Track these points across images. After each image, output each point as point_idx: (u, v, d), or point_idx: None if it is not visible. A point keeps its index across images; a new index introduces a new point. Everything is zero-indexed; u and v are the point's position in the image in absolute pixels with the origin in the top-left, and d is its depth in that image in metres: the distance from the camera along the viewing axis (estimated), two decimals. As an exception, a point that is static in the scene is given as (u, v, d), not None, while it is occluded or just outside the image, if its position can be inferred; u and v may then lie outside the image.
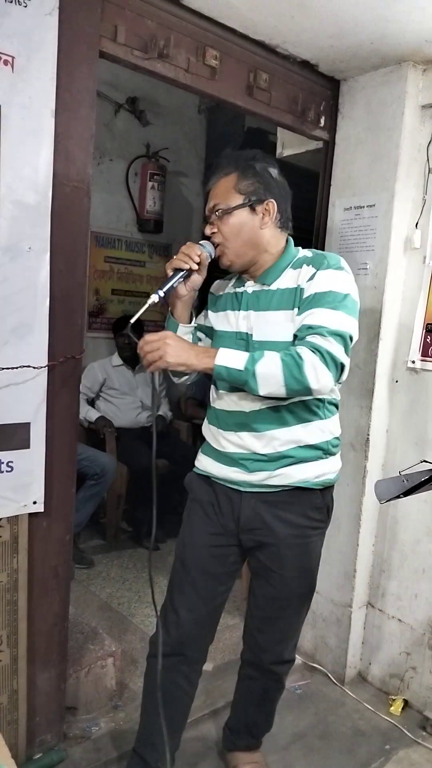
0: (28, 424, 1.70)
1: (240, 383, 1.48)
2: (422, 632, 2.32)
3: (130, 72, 1.92)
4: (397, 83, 2.19)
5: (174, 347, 1.46)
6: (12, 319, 1.62)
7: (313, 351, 1.44)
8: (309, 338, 1.47)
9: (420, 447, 2.29)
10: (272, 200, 1.61)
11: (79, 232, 1.75)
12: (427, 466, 1.66)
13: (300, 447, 1.60)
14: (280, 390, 1.45)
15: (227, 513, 1.67)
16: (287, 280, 1.61)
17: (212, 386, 1.72)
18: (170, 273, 1.59)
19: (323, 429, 1.63)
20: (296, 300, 1.56)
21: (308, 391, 1.45)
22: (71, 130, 1.67)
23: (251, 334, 1.61)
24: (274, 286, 1.62)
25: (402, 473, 1.62)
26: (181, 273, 1.59)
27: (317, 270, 1.55)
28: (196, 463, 1.77)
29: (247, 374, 1.45)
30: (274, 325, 1.58)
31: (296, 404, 1.57)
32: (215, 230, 1.61)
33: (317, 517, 1.69)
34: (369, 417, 2.33)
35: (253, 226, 1.60)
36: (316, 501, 1.67)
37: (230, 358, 1.47)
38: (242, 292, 1.67)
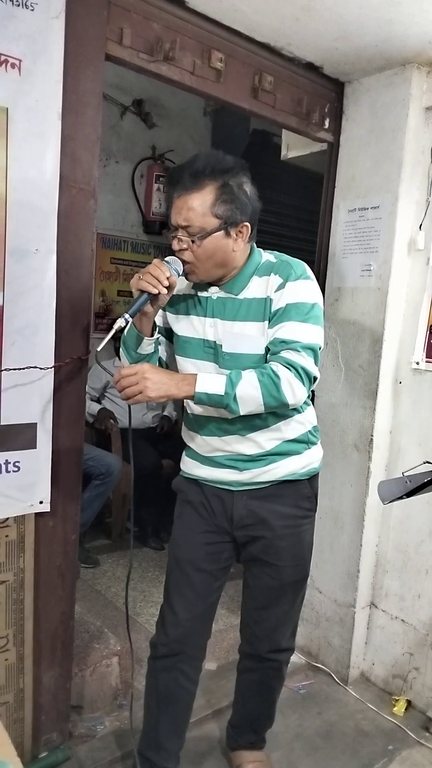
0: (35, 424, 1.72)
1: (221, 407, 1.49)
2: (425, 633, 2.32)
3: (136, 74, 1.93)
4: (401, 85, 2.20)
5: (154, 381, 1.44)
6: (19, 320, 1.63)
7: (288, 367, 1.48)
8: (283, 353, 1.50)
9: (423, 448, 2.29)
10: (247, 223, 1.55)
11: (86, 234, 1.76)
12: (430, 467, 1.66)
13: (284, 442, 1.65)
14: (258, 409, 1.50)
15: (219, 513, 1.69)
16: (255, 289, 1.59)
17: None
18: (136, 293, 1.50)
19: (302, 422, 1.67)
20: (266, 311, 1.56)
21: (285, 406, 1.52)
22: (77, 133, 1.68)
23: (220, 345, 1.59)
24: (241, 296, 1.60)
25: (405, 474, 1.63)
26: (148, 295, 1.49)
27: (285, 281, 1.55)
28: (183, 467, 1.78)
29: (228, 398, 1.46)
30: (245, 338, 1.57)
31: None
32: (185, 248, 1.53)
33: (307, 506, 1.73)
34: (373, 418, 2.34)
35: (226, 249, 1.54)
36: (305, 491, 1.71)
37: (210, 384, 1.47)
38: (206, 298, 1.63)
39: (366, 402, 2.36)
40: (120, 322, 1.47)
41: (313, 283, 1.59)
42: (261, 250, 1.66)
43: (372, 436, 2.35)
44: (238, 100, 2.08)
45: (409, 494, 1.59)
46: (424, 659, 2.33)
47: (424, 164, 2.26)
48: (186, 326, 1.66)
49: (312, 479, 1.73)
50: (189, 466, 1.75)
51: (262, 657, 1.84)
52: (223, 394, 1.46)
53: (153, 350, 1.62)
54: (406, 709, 2.34)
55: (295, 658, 2.61)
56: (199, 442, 1.69)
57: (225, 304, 1.61)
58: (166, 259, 1.53)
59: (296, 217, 4.24)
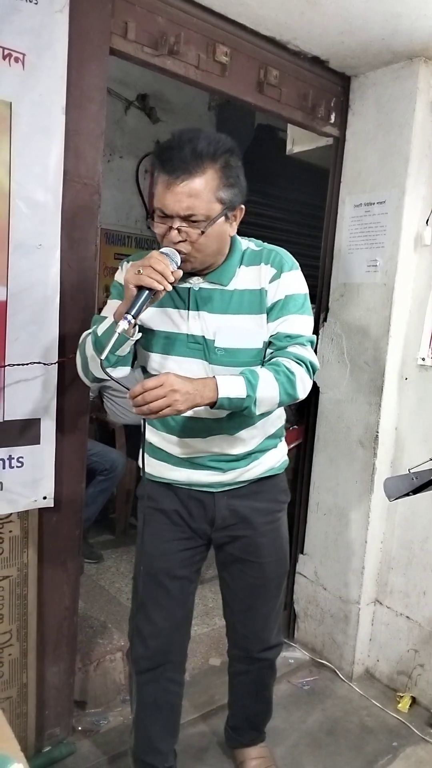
0: (39, 420, 1.72)
1: (239, 410, 1.41)
2: (430, 629, 2.32)
3: (141, 69, 1.92)
4: (408, 79, 2.18)
5: (182, 392, 1.30)
6: (23, 315, 1.63)
7: (299, 363, 1.47)
8: (291, 349, 1.49)
9: (429, 444, 2.28)
10: (242, 206, 1.47)
11: (89, 229, 1.76)
12: (436, 464, 1.65)
13: (266, 439, 1.62)
14: (272, 408, 1.47)
15: (199, 516, 1.62)
16: (245, 280, 1.51)
17: None
18: (134, 291, 1.30)
19: (279, 416, 1.66)
20: (262, 304, 1.50)
21: (295, 401, 1.49)
22: (81, 128, 1.68)
23: (212, 339, 1.48)
24: (230, 287, 1.50)
25: (411, 471, 1.62)
26: (151, 292, 1.31)
27: (280, 271, 1.50)
28: (149, 470, 1.63)
29: (249, 401, 1.39)
30: (243, 331, 1.49)
31: None
32: (184, 239, 1.38)
33: (283, 499, 1.73)
34: (378, 414, 2.33)
35: (224, 235, 1.45)
36: (282, 484, 1.71)
37: (231, 388, 1.37)
38: (187, 289, 1.49)
39: (371, 398, 2.35)
40: (123, 325, 1.28)
41: (301, 272, 1.56)
42: (238, 236, 1.55)
43: (377, 432, 2.34)
44: (244, 95, 2.07)
45: (416, 491, 1.58)
46: (428, 656, 2.32)
47: (431, 159, 2.24)
48: (162, 320, 1.51)
49: (285, 471, 1.73)
50: (160, 470, 1.61)
51: (254, 658, 1.81)
52: (244, 397, 1.37)
53: (129, 350, 1.46)
54: (410, 705, 2.33)
55: (299, 654, 2.62)
56: (176, 444, 1.57)
57: (212, 296, 1.50)
58: (163, 250, 1.36)
59: (301, 212, 4.22)
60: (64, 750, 1.96)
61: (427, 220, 2.25)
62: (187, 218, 1.36)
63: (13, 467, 1.69)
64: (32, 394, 1.69)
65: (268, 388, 1.41)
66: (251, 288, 1.51)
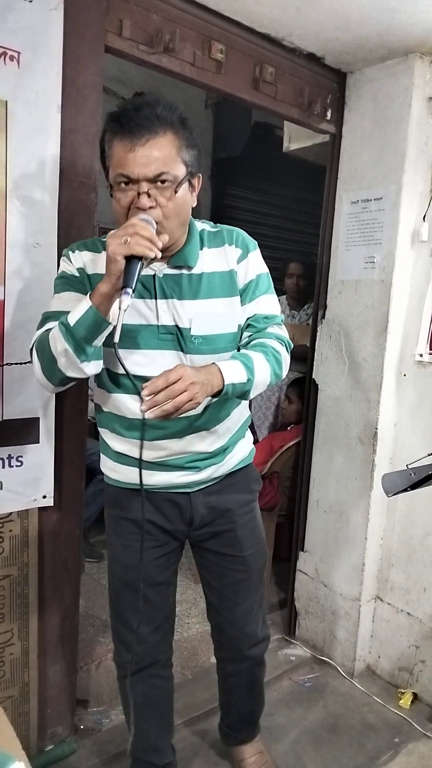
0: (38, 419, 1.72)
1: (238, 396, 1.38)
2: (431, 626, 2.32)
3: (137, 67, 1.92)
4: (403, 75, 2.18)
5: (198, 383, 1.23)
6: (20, 314, 1.62)
7: (281, 343, 1.49)
8: (270, 329, 1.50)
9: (428, 440, 2.28)
10: (200, 175, 1.40)
11: (87, 228, 1.75)
12: (435, 459, 1.65)
13: (237, 430, 1.60)
14: (263, 389, 1.45)
15: (175, 518, 1.55)
16: (211, 262, 1.45)
17: (116, 394, 1.45)
18: (123, 263, 1.19)
19: (245, 403, 1.62)
20: (233, 286, 1.46)
21: (279, 380, 1.51)
22: (77, 126, 1.67)
23: (188, 328, 1.40)
24: (197, 270, 1.43)
25: (409, 466, 1.62)
26: (142, 262, 1.21)
27: (246, 251, 1.48)
28: (114, 476, 1.57)
29: (249, 385, 1.36)
30: (218, 316, 1.43)
31: None
32: (154, 205, 1.28)
33: (256, 488, 1.71)
34: (377, 411, 2.33)
35: (188, 205, 1.37)
36: (254, 473, 1.70)
37: (234, 374, 1.33)
38: (151, 276, 1.39)
39: (370, 395, 2.35)
40: (126, 301, 1.18)
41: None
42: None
43: (376, 429, 2.34)
44: (239, 92, 2.06)
45: (414, 486, 1.58)
46: (430, 652, 2.32)
47: (427, 154, 2.24)
48: (129, 312, 1.31)
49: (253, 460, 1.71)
50: (129, 475, 1.51)
51: (243, 656, 1.77)
52: (245, 381, 1.34)
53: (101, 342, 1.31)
54: (412, 701, 2.33)
55: (301, 651, 2.62)
56: (149, 449, 1.45)
57: (179, 282, 1.41)
58: (140, 217, 1.25)
59: (298, 209, 4.23)
60: (65, 749, 1.96)
61: (424, 216, 2.25)
62: (154, 180, 1.28)
63: (12, 466, 1.69)
64: (31, 393, 1.69)
65: (262, 371, 1.39)
66: (220, 270, 1.45)
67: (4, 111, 1.51)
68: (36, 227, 1.62)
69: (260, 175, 4.29)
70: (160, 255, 1.23)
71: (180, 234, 1.38)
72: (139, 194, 1.28)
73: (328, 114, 2.35)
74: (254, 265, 1.49)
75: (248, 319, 1.49)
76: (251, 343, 1.47)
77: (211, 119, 4.43)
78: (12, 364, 1.63)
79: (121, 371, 1.34)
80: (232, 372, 1.33)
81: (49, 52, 1.56)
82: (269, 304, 1.51)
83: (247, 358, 1.38)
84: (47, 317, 1.38)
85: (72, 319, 1.25)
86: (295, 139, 2.73)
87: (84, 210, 1.73)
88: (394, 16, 1.90)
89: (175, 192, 1.30)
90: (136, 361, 1.39)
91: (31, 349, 1.37)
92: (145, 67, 1.88)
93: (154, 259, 1.25)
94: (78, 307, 1.26)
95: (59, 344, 1.26)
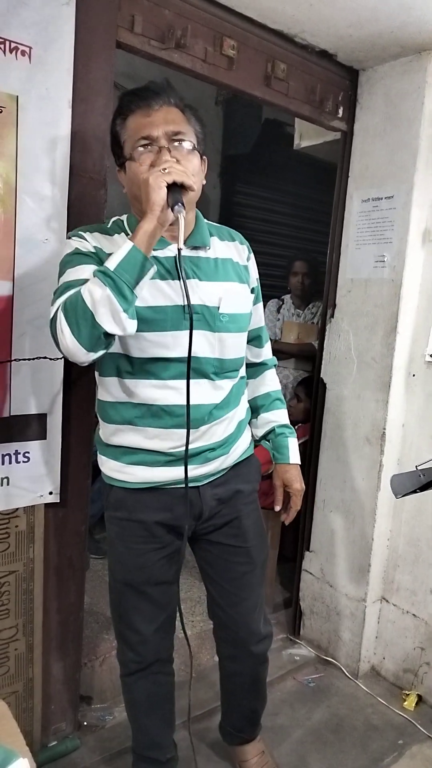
0: (45, 415, 1.71)
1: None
2: (437, 628, 2.31)
3: (147, 63, 1.91)
4: (417, 73, 2.16)
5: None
6: (29, 310, 1.62)
7: (274, 367, 1.81)
8: (267, 355, 1.76)
9: (437, 441, 2.27)
10: (206, 157, 1.46)
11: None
12: (443, 461, 1.64)
13: (243, 417, 1.64)
14: None
15: (184, 515, 1.49)
16: (224, 250, 1.50)
17: (137, 380, 1.43)
18: (164, 190, 1.21)
19: (246, 397, 1.70)
20: (247, 277, 1.56)
21: None
22: (88, 121, 1.67)
23: (216, 306, 1.42)
24: (212, 254, 1.47)
25: (418, 468, 1.61)
26: (184, 190, 1.24)
27: (250, 252, 1.59)
28: (121, 477, 1.52)
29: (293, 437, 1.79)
30: (239, 296, 1.51)
31: (243, 371, 1.64)
32: (176, 159, 1.31)
33: (257, 478, 1.72)
34: (385, 411, 2.32)
35: (201, 175, 1.43)
36: (255, 462, 1.71)
37: (296, 451, 1.80)
38: (172, 257, 1.39)
39: (378, 395, 2.34)
40: (182, 211, 1.21)
41: None
42: None
43: (384, 429, 2.33)
44: (251, 89, 2.05)
45: (423, 488, 1.57)
46: (435, 654, 2.32)
47: (439, 153, 2.22)
48: (150, 294, 1.36)
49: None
50: (137, 475, 1.49)
51: (247, 654, 1.75)
52: (297, 441, 1.79)
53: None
54: (416, 703, 2.32)
55: (305, 651, 2.61)
56: (154, 438, 1.45)
57: (198, 263, 1.44)
58: (166, 158, 1.30)
59: (309, 207, 4.21)
60: (69, 745, 1.97)
61: (436, 216, 2.23)
62: (173, 140, 1.34)
63: (19, 462, 1.69)
64: (38, 389, 1.69)
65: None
66: (234, 260, 1.53)
67: (15, 106, 1.50)
68: (45, 223, 1.61)
69: (270, 173, 4.27)
70: (197, 189, 1.29)
71: (195, 199, 1.38)
72: (160, 149, 1.33)
73: (340, 111, 2.34)
74: (255, 270, 1.59)
75: (255, 329, 1.66)
76: (272, 393, 1.76)
77: (221, 116, 4.41)
78: (20, 360, 1.63)
79: (148, 355, 1.38)
80: (296, 452, 1.75)
81: (61, 47, 1.55)
82: (262, 314, 1.71)
83: (290, 430, 1.77)
84: (68, 286, 1.28)
85: (112, 264, 1.21)
86: (306, 137, 2.71)
87: (94, 206, 1.73)
88: (408, 13, 1.88)
89: (193, 152, 1.37)
90: (163, 343, 1.38)
91: (53, 319, 1.26)
92: (156, 63, 1.87)
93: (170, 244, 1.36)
94: (117, 252, 1.23)
95: (97, 293, 1.19)
